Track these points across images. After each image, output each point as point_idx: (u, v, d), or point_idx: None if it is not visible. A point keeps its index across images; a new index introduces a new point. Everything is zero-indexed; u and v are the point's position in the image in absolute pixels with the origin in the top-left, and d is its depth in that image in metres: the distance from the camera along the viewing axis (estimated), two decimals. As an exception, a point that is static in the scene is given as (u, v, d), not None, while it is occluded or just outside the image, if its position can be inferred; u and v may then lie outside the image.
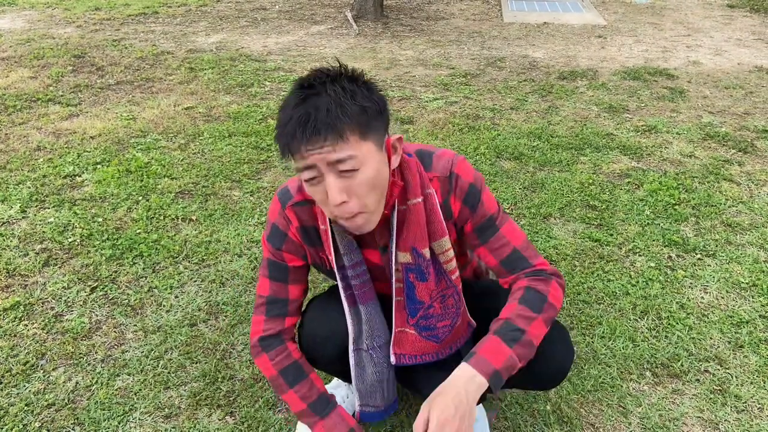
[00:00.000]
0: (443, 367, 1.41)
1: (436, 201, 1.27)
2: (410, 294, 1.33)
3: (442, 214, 1.28)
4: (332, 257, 1.30)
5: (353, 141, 1.07)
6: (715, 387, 1.83)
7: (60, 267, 2.32)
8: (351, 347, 1.38)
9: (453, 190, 1.28)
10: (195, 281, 2.26)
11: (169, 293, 2.19)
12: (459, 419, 1.14)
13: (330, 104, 1.05)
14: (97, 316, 2.08)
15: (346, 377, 1.54)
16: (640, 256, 2.44)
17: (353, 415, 1.46)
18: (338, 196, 1.09)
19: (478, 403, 1.43)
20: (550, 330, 1.29)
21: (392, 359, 1.40)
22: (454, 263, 1.33)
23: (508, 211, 2.75)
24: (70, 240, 2.48)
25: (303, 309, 1.48)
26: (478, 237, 1.32)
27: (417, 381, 1.45)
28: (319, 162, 1.07)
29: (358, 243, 1.32)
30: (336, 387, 1.70)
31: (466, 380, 1.17)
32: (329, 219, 1.26)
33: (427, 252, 1.29)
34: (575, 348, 1.37)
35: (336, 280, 1.36)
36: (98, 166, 3.10)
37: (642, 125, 3.73)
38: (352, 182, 1.09)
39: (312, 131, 1.04)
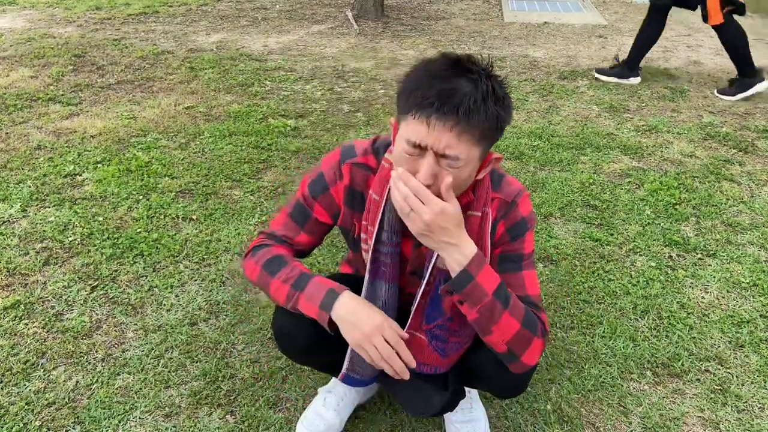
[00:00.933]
0: (430, 381, 1.40)
1: (490, 222, 1.28)
2: (435, 300, 1.32)
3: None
4: (374, 228, 1.30)
5: (471, 141, 1.10)
6: (715, 387, 1.83)
7: (60, 266, 2.32)
8: None
9: (506, 215, 1.30)
10: (195, 280, 2.26)
11: (169, 292, 2.19)
12: (458, 222, 1.14)
13: (478, 96, 1.07)
14: (97, 315, 2.08)
15: (325, 369, 1.54)
16: (640, 255, 2.44)
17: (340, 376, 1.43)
18: (427, 178, 1.11)
19: (448, 411, 1.43)
20: None
21: None
22: None
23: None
24: (70, 239, 2.48)
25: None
26: (498, 264, 1.31)
27: (397, 384, 1.43)
28: (431, 143, 1.09)
29: None
30: (334, 386, 1.69)
31: (470, 241, 1.18)
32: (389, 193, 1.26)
33: None
34: (538, 363, 1.38)
35: (356, 250, 1.38)
36: (99, 166, 3.10)
37: (643, 125, 3.73)
38: (445, 173, 1.12)
39: (450, 109, 1.06)
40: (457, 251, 1.16)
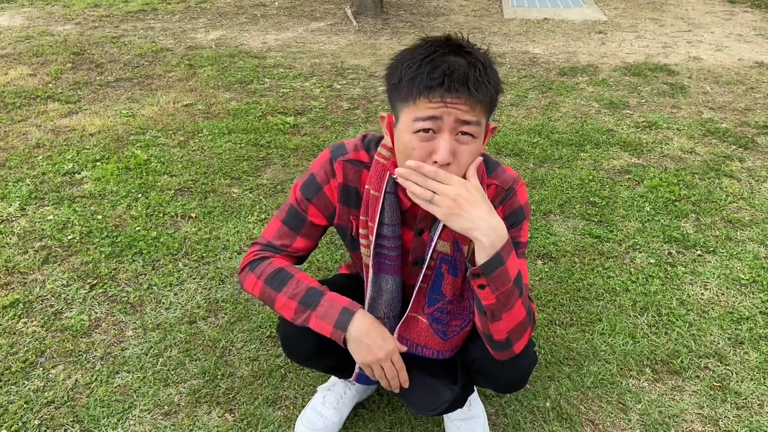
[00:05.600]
0: (438, 377, 1.40)
1: None
2: (436, 284, 1.33)
3: None
4: (374, 224, 1.30)
5: (482, 110, 1.11)
6: (715, 383, 1.83)
7: (59, 264, 2.32)
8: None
9: (503, 201, 1.30)
10: (194, 278, 2.25)
11: (168, 290, 2.19)
12: (483, 198, 1.14)
13: (479, 67, 1.10)
14: (96, 313, 2.08)
15: (330, 371, 1.54)
16: (640, 252, 2.44)
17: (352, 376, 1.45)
18: (447, 155, 1.10)
19: (457, 407, 1.44)
20: None
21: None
22: None
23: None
24: (69, 237, 2.48)
25: None
26: None
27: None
28: (448, 116, 1.09)
29: None
30: (333, 384, 1.70)
31: (500, 220, 1.16)
32: (386, 188, 1.26)
33: (466, 249, 1.29)
34: (538, 356, 1.36)
35: (354, 249, 1.38)
36: (97, 164, 3.09)
37: (642, 121, 3.72)
38: (462, 148, 1.12)
39: (461, 83, 1.07)
40: (493, 231, 1.12)
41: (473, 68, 1.09)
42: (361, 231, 1.34)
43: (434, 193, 1.10)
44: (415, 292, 1.35)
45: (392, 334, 1.39)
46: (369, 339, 1.25)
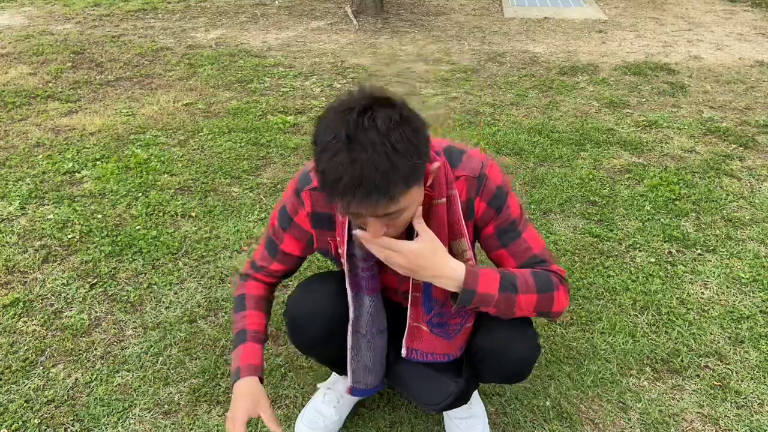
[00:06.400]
0: (442, 371, 1.41)
1: (458, 202, 1.27)
2: (427, 291, 1.33)
3: (463, 214, 1.28)
4: (344, 248, 1.30)
5: (402, 195, 1.05)
6: (715, 382, 1.83)
7: (59, 263, 2.32)
8: (350, 329, 1.39)
9: (480, 191, 1.28)
10: (194, 277, 2.25)
11: (168, 290, 2.19)
12: (433, 254, 1.16)
13: (381, 164, 0.99)
14: (96, 312, 2.08)
15: (337, 366, 1.55)
16: (640, 251, 2.44)
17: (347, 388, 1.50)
18: (379, 232, 1.12)
19: (461, 403, 1.44)
20: (518, 326, 1.32)
21: (403, 352, 1.40)
22: (472, 263, 1.32)
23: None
24: (69, 236, 2.48)
25: (290, 293, 1.49)
26: (498, 239, 1.31)
27: (409, 377, 1.45)
28: (367, 215, 1.08)
29: None
30: (333, 383, 1.70)
31: (454, 263, 1.19)
32: None
33: None
34: (542, 348, 1.36)
35: (341, 266, 1.38)
36: (97, 163, 3.09)
37: (642, 120, 3.72)
38: (394, 221, 1.12)
39: (364, 195, 1.00)
40: (447, 279, 1.18)
41: (379, 168, 0.98)
42: (339, 251, 1.34)
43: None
44: (410, 303, 1.35)
45: (382, 348, 1.42)
46: (233, 400, 1.33)
